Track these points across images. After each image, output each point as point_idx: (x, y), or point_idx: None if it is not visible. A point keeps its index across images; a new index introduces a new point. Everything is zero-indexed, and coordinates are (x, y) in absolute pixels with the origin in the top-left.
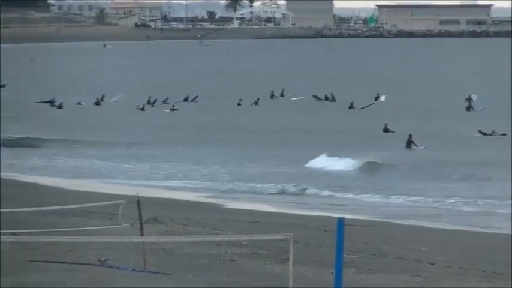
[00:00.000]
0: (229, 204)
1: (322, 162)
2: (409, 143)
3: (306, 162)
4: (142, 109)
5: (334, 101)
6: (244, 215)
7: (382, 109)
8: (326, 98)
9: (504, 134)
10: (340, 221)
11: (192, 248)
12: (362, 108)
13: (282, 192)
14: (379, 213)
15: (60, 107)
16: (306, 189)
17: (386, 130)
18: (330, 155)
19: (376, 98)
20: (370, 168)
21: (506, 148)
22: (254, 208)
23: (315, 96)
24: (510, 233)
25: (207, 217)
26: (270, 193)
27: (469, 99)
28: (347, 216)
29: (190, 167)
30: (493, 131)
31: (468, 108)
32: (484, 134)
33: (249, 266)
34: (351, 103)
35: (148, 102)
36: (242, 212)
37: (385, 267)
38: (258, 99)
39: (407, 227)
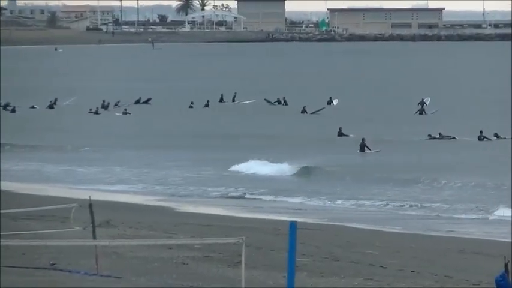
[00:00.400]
0: (181, 207)
1: (252, 166)
2: (363, 147)
3: (238, 166)
4: (96, 112)
5: (286, 105)
6: (196, 219)
7: (335, 113)
8: (278, 102)
9: (454, 138)
10: (293, 225)
11: (144, 252)
12: (313, 112)
13: (224, 196)
14: (330, 217)
15: (13, 110)
16: (245, 193)
17: (340, 134)
18: (266, 160)
19: (329, 102)
20: (307, 172)
21: (455, 152)
22: (206, 212)
23: (266, 100)
24: (461, 236)
25: (159, 221)
26: (217, 197)
27: (422, 103)
28: (299, 220)
29: (143, 171)
30: (440, 134)
31: (421, 112)
32: (433, 138)
33: (201, 270)
34: (304, 107)
35: (102, 106)
36: (194, 216)
37: (338, 270)
38: (208, 101)
39: (359, 230)
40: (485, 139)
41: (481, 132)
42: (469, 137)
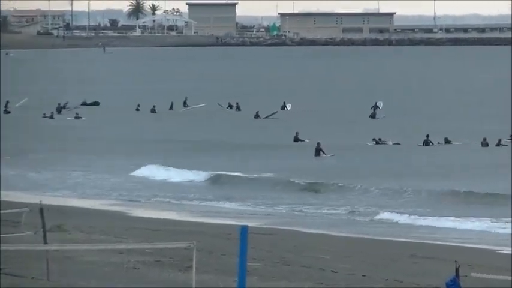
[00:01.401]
0: (133, 212)
1: (153, 172)
2: (318, 151)
3: (146, 172)
4: (51, 117)
5: (239, 110)
6: (147, 223)
7: (289, 118)
8: (230, 107)
9: (398, 143)
10: (244, 229)
11: (95, 256)
12: (266, 117)
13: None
14: (280, 222)
15: None
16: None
17: (297, 140)
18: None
19: (283, 107)
20: (220, 179)
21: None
22: (158, 216)
23: (219, 104)
24: (412, 241)
25: (111, 225)
26: (171, 202)
27: (375, 106)
28: (250, 225)
29: (95, 176)
30: (379, 139)
31: (373, 116)
32: (377, 142)
33: (152, 274)
34: (257, 112)
35: (57, 109)
36: (146, 220)
37: (289, 275)
38: (154, 106)
39: (309, 235)
40: (431, 144)
41: (427, 136)
42: (416, 142)
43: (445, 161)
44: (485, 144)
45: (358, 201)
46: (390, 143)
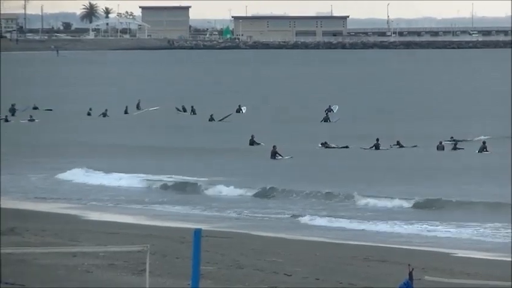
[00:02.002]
0: (88, 215)
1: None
2: (274, 154)
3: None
4: (6, 120)
5: (195, 114)
6: (102, 226)
7: (244, 121)
8: (184, 110)
9: (347, 147)
10: (197, 232)
11: (49, 259)
12: (221, 120)
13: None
14: (233, 225)
15: None
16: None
17: (252, 143)
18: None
19: (238, 110)
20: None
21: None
22: (112, 219)
23: (177, 109)
24: (366, 244)
25: (65, 228)
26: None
27: (330, 110)
28: (204, 228)
29: (49, 179)
30: (326, 142)
31: (326, 120)
32: (327, 147)
33: (106, 277)
34: (211, 115)
35: (10, 110)
36: (100, 223)
37: (242, 278)
38: (106, 110)
39: (263, 238)
40: (380, 148)
41: (377, 140)
42: (366, 145)
43: (393, 164)
44: (441, 148)
45: (306, 205)
46: (339, 146)
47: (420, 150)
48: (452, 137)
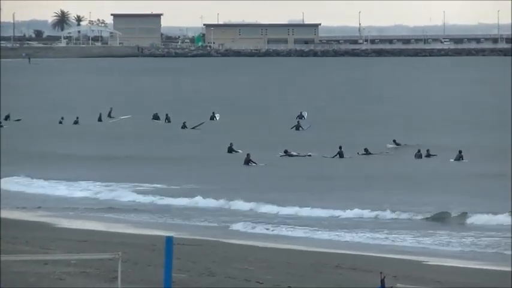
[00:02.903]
0: (60, 223)
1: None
2: (247, 161)
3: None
4: None
5: (169, 122)
6: (74, 234)
7: (218, 128)
8: (157, 118)
9: (309, 155)
10: (169, 240)
11: (21, 267)
12: (194, 127)
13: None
14: (205, 233)
15: None
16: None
17: (231, 151)
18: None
19: (212, 117)
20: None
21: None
22: (84, 227)
23: (154, 118)
24: (337, 251)
25: (36, 236)
26: (94, 212)
27: (301, 116)
28: (175, 236)
29: (20, 186)
30: (286, 151)
31: (297, 127)
32: (290, 155)
33: (78, 285)
34: (183, 123)
35: None
36: (72, 231)
37: (214, 286)
38: (77, 118)
39: (235, 245)
40: (343, 156)
41: (340, 147)
42: (329, 154)
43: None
44: (418, 156)
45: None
46: (302, 154)
47: (390, 158)
48: (394, 140)
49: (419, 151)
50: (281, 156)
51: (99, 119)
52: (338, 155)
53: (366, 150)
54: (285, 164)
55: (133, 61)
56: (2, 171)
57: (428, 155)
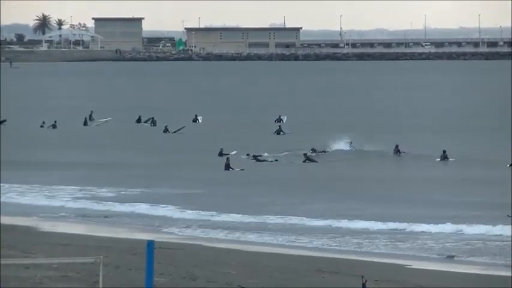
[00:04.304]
0: (42, 226)
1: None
2: (227, 166)
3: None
4: None
5: (155, 125)
6: (55, 238)
7: (202, 131)
8: (138, 120)
9: (276, 160)
10: (150, 244)
11: (1, 271)
12: (175, 131)
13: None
14: (187, 236)
15: None
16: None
17: (221, 154)
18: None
19: (194, 120)
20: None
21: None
22: (66, 231)
23: (144, 121)
24: (319, 255)
25: (18, 239)
26: (77, 215)
27: (279, 120)
28: (157, 239)
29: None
30: (254, 155)
31: (278, 132)
32: (257, 160)
33: None
34: (165, 126)
35: None
36: (54, 235)
37: None
38: (55, 121)
39: (216, 249)
40: (308, 160)
41: (310, 151)
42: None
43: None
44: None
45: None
46: (268, 160)
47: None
48: (313, 148)
49: (396, 145)
50: (249, 159)
51: (85, 123)
52: (306, 158)
53: (313, 150)
54: (261, 169)
55: (115, 65)
56: None
57: (398, 151)
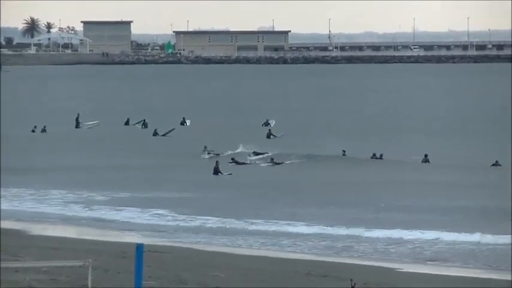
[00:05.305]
0: (31, 230)
1: None
2: (216, 170)
3: None
4: None
5: (146, 127)
6: (45, 241)
7: (189, 134)
8: (127, 123)
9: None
10: (139, 247)
11: None
12: (164, 134)
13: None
14: (176, 239)
15: None
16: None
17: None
18: None
19: (182, 123)
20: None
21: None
22: (55, 234)
23: (134, 124)
24: (307, 258)
25: (6, 243)
26: (66, 219)
27: (267, 123)
28: (146, 242)
29: None
30: (233, 159)
31: (268, 136)
32: (237, 162)
33: None
34: (155, 130)
35: None
36: (43, 238)
37: None
38: (44, 126)
39: (206, 252)
40: (275, 164)
41: (272, 159)
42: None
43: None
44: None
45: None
46: (246, 162)
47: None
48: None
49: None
50: (229, 163)
51: (77, 126)
52: (272, 162)
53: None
54: (249, 172)
55: (103, 68)
56: None
57: (380, 157)
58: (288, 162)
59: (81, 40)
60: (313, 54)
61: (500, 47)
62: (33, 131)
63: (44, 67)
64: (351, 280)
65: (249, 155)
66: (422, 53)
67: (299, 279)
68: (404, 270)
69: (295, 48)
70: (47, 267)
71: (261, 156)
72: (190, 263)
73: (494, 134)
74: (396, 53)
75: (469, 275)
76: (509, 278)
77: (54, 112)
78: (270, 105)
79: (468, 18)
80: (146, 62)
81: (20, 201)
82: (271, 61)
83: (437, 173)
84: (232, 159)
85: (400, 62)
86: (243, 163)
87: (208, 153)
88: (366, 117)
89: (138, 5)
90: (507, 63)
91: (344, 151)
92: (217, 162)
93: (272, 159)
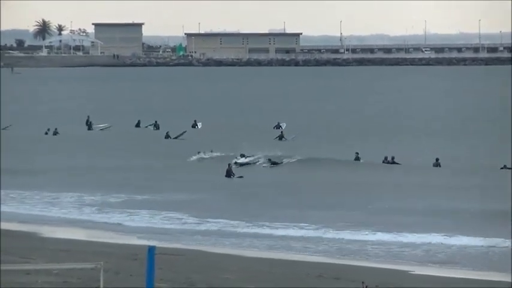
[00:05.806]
0: (42, 232)
1: None
2: (228, 172)
3: None
4: None
5: (158, 129)
6: (55, 244)
7: (199, 137)
8: (137, 125)
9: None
10: (151, 249)
11: (2, 277)
12: (176, 137)
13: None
14: (187, 242)
15: None
16: None
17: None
18: None
19: (194, 126)
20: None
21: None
22: (66, 236)
23: (145, 126)
24: (319, 261)
25: (17, 245)
26: (75, 221)
27: (278, 126)
28: (158, 245)
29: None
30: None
31: (280, 138)
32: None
33: None
34: (167, 132)
35: None
36: (54, 241)
37: None
38: (55, 128)
39: (216, 255)
40: (273, 165)
41: (269, 159)
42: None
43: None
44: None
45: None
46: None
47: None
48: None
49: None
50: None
51: (89, 128)
52: (270, 163)
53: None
54: (261, 176)
55: (115, 70)
56: None
57: (393, 162)
58: (288, 161)
59: (93, 42)
60: (325, 56)
61: (511, 49)
62: (46, 133)
63: (55, 69)
64: (363, 282)
65: (237, 158)
66: (433, 55)
67: (311, 282)
68: (416, 273)
69: (306, 50)
70: (58, 269)
71: (248, 159)
72: (200, 265)
73: (504, 137)
74: (407, 56)
75: (484, 278)
76: None
77: (66, 114)
78: (282, 107)
79: (479, 20)
80: (157, 64)
81: (33, 203)
82: (282, 63)
83: (450, 177)
84: (235, 162)
85: (411, 65)
86: (247, 163)
87: (244, 157)
88: (375, 119)
89: (150, 7)
90: None
91: (357, 153)
92: (229, 164)
93: (269, 159)
